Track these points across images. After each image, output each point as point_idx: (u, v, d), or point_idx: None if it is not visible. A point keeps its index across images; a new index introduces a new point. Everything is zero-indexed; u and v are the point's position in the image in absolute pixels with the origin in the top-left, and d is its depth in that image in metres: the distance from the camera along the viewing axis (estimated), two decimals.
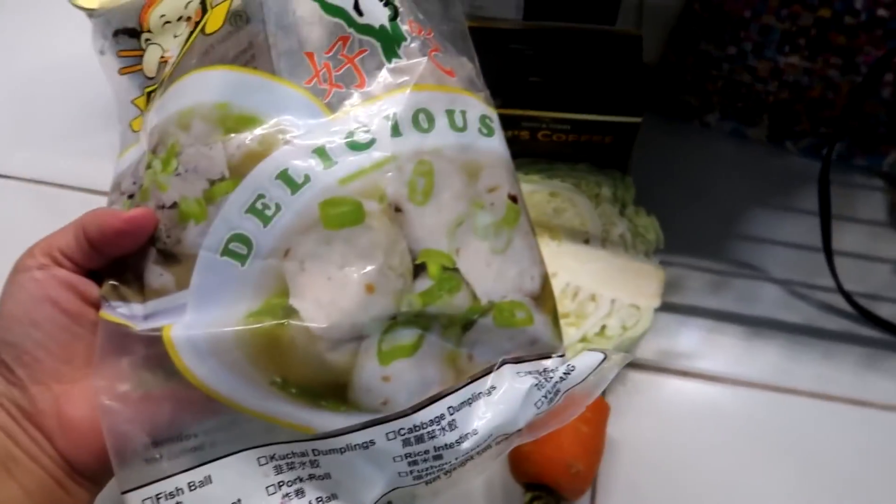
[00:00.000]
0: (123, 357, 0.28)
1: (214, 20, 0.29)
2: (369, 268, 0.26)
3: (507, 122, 0.47)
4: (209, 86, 0.28)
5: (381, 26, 0.29)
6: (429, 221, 0.28)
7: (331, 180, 0.27)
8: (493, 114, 0.31)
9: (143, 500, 0.27)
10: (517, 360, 0.29)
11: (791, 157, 0.54)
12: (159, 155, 0.28)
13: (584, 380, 0.29)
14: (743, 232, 0.52)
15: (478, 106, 0.30)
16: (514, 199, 0.30)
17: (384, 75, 0.29)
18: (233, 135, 0.27)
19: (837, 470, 0.45)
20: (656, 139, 0.54)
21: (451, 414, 0.27)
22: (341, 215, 0.26)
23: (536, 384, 0.28)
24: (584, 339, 0.45)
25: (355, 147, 0.27)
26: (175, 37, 0.32)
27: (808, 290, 0.50)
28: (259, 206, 0.27)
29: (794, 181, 0.53)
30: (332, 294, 0.26)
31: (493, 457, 0.29)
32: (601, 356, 0.30)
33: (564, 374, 0.29)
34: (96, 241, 0.28)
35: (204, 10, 0.30)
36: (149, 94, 0.32)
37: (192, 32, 0.30)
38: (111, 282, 0.29)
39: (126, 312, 0.28)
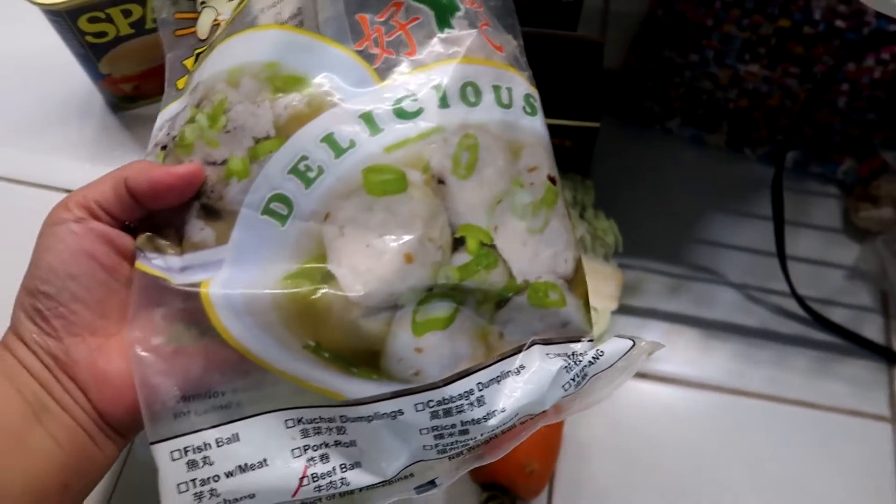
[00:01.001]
0: (159, 309, 0.28)
1: None
2: (409, 237, 0.26)
3: None
4: (260, 45, 0.28)
5: None
6: (470, 196, 0.28)
7: (376, 147, 0.27)
8: (536, 93, 0.31)
9: (172, 452, 0.27)
10: (547, 342, 0.29)
11: (749, 163, 0.56)
12: (205, 110, 0.28)
13: (611, 366, 0.29)
14: (701, 236, 0.53)
15: (523, 84, 0.30)
16: (553, 180, 0.30)
17: (435, 44, 0.28)
18: (281, 94, 0.27)
19: (787, 470, 0.45)
20: (617, 144, 0.55)
21: (480, 390, 0.27)
22: (384, 183, 0.26)
23: (566, 366, 0.28)
24: None
25: (402, 115, 0.27)
26: (229, 0, 0.32)
27: (763, 293, 0.51)
28: (302, 167, 0.27)
29: (751, 187, 0.54)
30: (371, 261, 0.26)
31: (515, 436, 0.29)
32: (630, 343, 0.30)
33: (594, 358, 0.29)
34: (142, 195, 0.28)
35: None
36: (197, 55, 0.31)
37: None
38: (147, 233, 0.29)
39: (162, 264, 0.28)
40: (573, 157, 0.50)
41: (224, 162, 0.28)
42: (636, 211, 0.52)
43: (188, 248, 0.28)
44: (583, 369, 0.29)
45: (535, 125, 0.30)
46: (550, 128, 0.46)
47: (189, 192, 0.28)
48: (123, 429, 0.29)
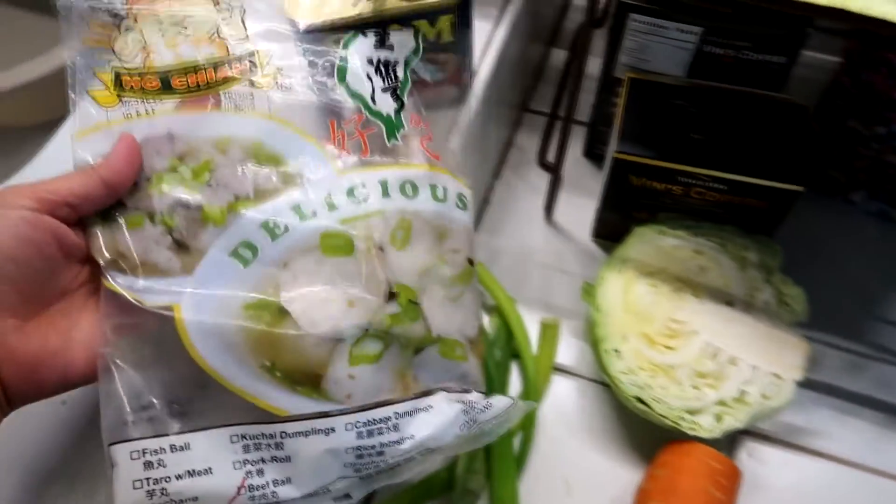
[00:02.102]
0: (128, 324, 0.32)
1: (263, 81, 0.36)
2: (352, 288, 0.33)
3: (662, 176, 0.48)
4: (248, 127, 0.35)
5: (388, 115, 0.37)
6: (404, 263, 0.35)
7: (333, 219, 0.34)
8: (468, 192, 0.39)
9: (131, 452, 0.31)
10: (450, 389, 0.35)
11: None
12: (189, 164, 0.34)
13: (495, 416, 0.36)
14: (885, 315, 0.50)
15: (457, 185, 0.38)
16: (471, 262, 0.37)
17: (384, 150, 0.36)
18: (263, 167, 0.34)
19: None
20: (799, 210, 0.53)
21: (396, 419, 0.33)
22: (336, 246, 0.34)
23: (464, 410, 0.35)
24: (721, 403, 0.44)
25: (353, 199, 0.35)
26: (162, 36, 0.36)
27: None
28: (272, 224, 0.33)
29: None
30: (320, 301, 0.33)
31: (419, 464, 0.35)
32: (511, 401, 0.37)
33: (483, 408, 0.35)
34: (118, 170, 0.32)
35: (252, 65, 0.36)
36: (117, 74, 0.35)
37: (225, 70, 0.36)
38: (111, 257, 0.33)
39: (123, 283, 0.32)
40: (763, 219, 0.49)
41: (198, 208, 0.33)
42: (816, 281, 0.50)
43: (150, 272, 0.33)
44: (475, 416, 0.35)
45: (464, 217, 0.38)
46: (749, 187, 0.46)
47: (137, 151, 0.33)
48: (21, 400, 0.31)
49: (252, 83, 0.36)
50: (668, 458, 0.45)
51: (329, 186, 0.34)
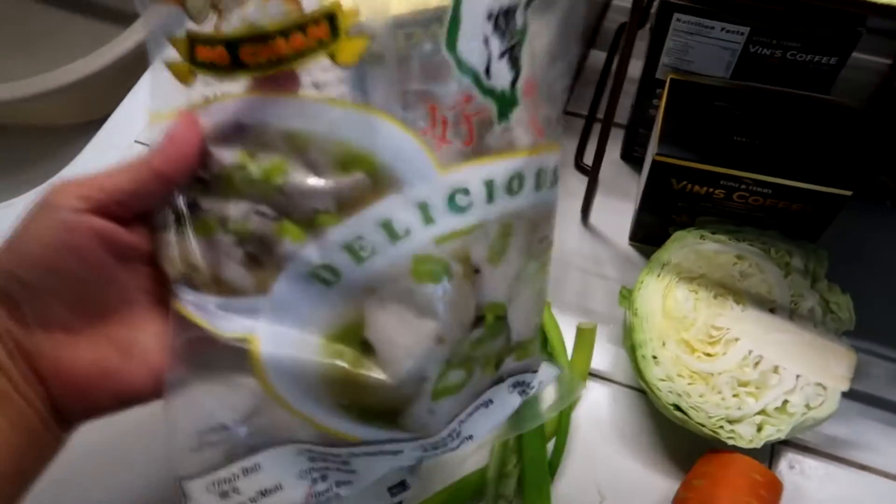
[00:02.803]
0: (199, 346, 0.29)
1: (347, 52, 0.27)
2: (443, 322, 0.28)
3: (704, 179, 0.47)
4: (329, 120, 0.28)
5: (502, 90, 0.29)
6: (498, 279, 0.30)
7: (427, 238, 0.28)
8: (558, 160, 0.32)
9: (207, 486, 0.30)
10: (510, 374, 0.33)
11: None
12: (260, 162, 0.28)
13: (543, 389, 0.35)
14: None
15: (552, 159, 0.31)
16: (550, 243, 0.33)
17: (492, 137, 0.29)
18: (347, 172, 0.27)
19: None
20: (844, 215, 0.52)
21: (459, 426, 0.32)
22: (430, 272, 0.28)
23: (521, 400, 0.33)
24: (763, 412, 0.43)
25: (454, 209, 0.28)
26: None
27: None
28: (356, 246, 0.28)
29: None
30: (407, 338, 0.28)
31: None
32: (558, 370, 0.36)
33: (536, 385, 0.34)
34: (168, 169, 0.28)
35: (333, 30, 0.27)
36: (191, 40, 0.28)
37: (304, 38, 0.27)
38: (182, 269, 0.29)
39: (196, 302, 0.29)
40: (808, 223, 0.47)
41: (276, 219, 0.28)
42: (862, 288, 0.49)
43: (224, 291, 0.29)
44: (528, 397, 0.34)
45: (553, 196, 0.32)
46: (795, 191, 0.45)
47: (196, 135, 0.28)
48: (76, 419, 0.29)
49: (333, 56, 0.27)
50: (706, 468, 0.44)
51: (427, 193, 0.28)
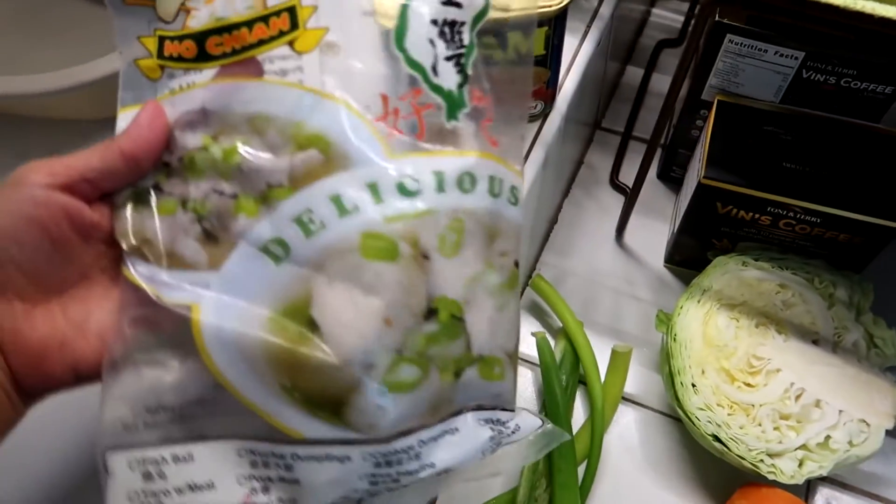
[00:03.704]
0: (144, 319, 0.29)
1: (305, 42, 0.30)
2: (392, 302, 0.28)
3: (752, 205, 0.46)
4: (288, 102, 0.30)
5: (449, 90, 0.31)
6: (450, 272, 0.30)
7: (376, 215, 0.29)
8: (520, 184, 0.33)
9: (130, 462, 0.29)
10: (479, 408, 0.32)
11: None
12: (221, 144, 0.30)
13: (520, 440, 0.33)
14: None
15: (511, 176, 0.32)
16: (517, 265, 0.33)
17: (441, 133, 0.31)
18: (301, 151, 0.29)
19: None
20: (890, 247, 0.51)
21: (420, 447, 0.30)
22: (378, 249, 0.29)
23: (492, 437, 0.31)
24: (804, 447, 0.42)
25: (403, 192, 0.29)
26: None
27: None
28: (306, 218, 0.29)
29: None
30: (353, 315, 0.28)
31: (432, 484, 0.32)
32: (540, 422, 0.33)
33: (512, 431, 0.32)
34: (134, 151, 0.29)
35: (293, 21, 0.30)
36: (160, 38, 0.31)
37: (265, 28, 0.31)
38: (135, 242, 0.30)
39: (146, 273, 0.29)
40: (854, 254, 0.46)
41: (234, 196, 0.29)
42: None
43: (176, 264, 0.29)
44: (502, 439, 0.32)
45: (516, 214, 0.32)
46: (845, 221, 0.44)
47: (162, 121, 0.30)
48: (36, 393, 0.29)
49: (292, 44, 0.30)
50: (743, 501, 0.43)
51: (376, 175, 0.29)
